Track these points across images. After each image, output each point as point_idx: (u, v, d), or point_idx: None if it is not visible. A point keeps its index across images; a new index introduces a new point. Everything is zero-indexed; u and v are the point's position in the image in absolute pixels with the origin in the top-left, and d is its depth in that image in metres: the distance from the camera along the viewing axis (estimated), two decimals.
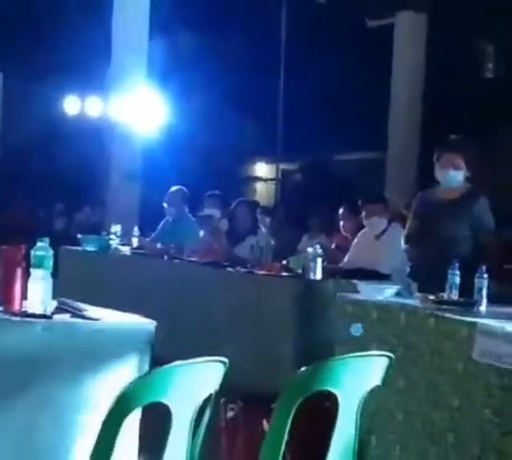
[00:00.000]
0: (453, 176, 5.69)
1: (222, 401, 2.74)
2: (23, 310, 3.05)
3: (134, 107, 11.40)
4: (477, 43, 15.57)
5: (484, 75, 15.70)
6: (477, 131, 13.76)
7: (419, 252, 5.89)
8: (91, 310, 3.16)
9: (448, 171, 5.69)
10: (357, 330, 4.76)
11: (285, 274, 6.82)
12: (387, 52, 14.51)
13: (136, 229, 9.04)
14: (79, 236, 9.21)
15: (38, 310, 3.02)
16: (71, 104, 14.82)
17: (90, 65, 12.69)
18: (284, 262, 7.13)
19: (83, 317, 3.09)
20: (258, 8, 14.67)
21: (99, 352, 3.00)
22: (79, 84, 14.26)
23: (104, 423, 2.33)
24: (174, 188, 9.04)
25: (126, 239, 8.79)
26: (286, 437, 2.66)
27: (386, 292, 5.46)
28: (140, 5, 11.39)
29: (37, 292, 3.06)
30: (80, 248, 8.93)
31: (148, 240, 8.85)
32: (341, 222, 8.35)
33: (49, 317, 3.00)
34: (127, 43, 11.49)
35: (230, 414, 2.79)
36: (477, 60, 15.69)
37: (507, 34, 14.48)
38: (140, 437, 3.08)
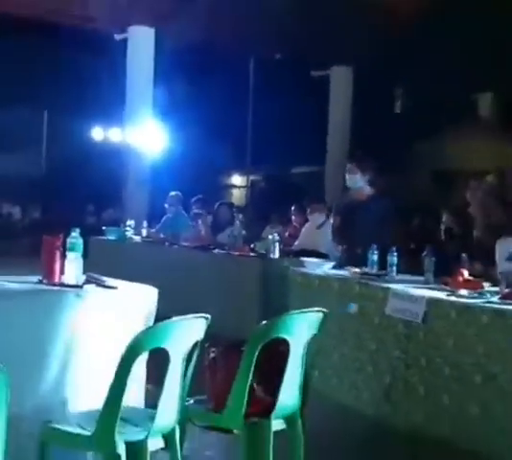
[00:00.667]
0: (350, 179, 5.61)
1: (206, 345, 2.72)
2: (61, 282, 3.05)
3: (144, 135, 11.37)
4: (389, 87, 15.57)
5: (394, 111, 15.70)
6: (388, 150, 13.86)
7: (342, 241, 5.89)
8: (111, 281, 3.15)
9: (347, 175, 5.68)
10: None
11: (252, 254, 6.82)
12: (326, 94, 14.59)
13: (145, 223, 8.98)
14: (103, 228, 9.15)
15: (72, 282, 3.02)
16: (97, 133, 14.77)
17: (111, 105, 12.61)
18: (252, 245, 7.14)
19: (105, 286, 3.08)
20: (233, 63, 14.72)
21: (116, 311, 3.00)
22: (103, 119, 14.18)
23: (121, 362, 2.31)
24: (172, 193, 8.98)
25: (137, 230, 8.75)
26: (252, 372, 2.66)
27: (325, 267, 5.47)
28: (147, 62, 11.38)
29: (71, 269, 3.05)
30: (104, 238, 8.87)
31: (153, 231, 8.81)
32: (293, 217, 8.36)
33: (80, 287, 2.99)
34: (137, 89, 11.46)
35: (212, 355, 2.78)
36: (389, 100, 15.70)
37: (410, 81, 14.48)
38: (147, 373, 3.08)
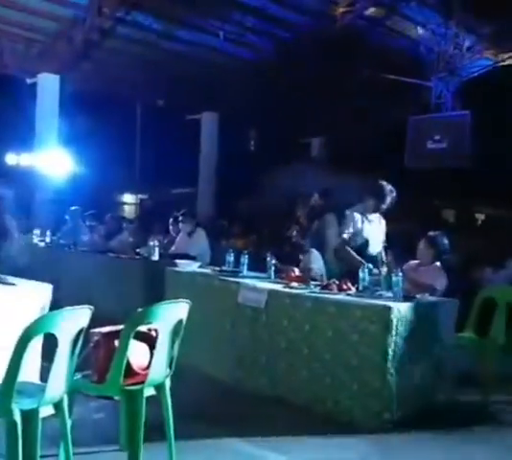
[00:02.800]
0: None
1: (91, 331, 2.63)
2: None
3: (50, 160, 10.95)
4: (246, 129, 15.82)
5: (249, 148, 15.96)
6: (245, 179, 14.15)
7: None
8: (11, 279, 2.98)
9: None
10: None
11: (137, 257, 6.69)
12: (198, 132, 14.65)
13: (49, 232, 8.57)
14: None
15: None
16: (11, 158, 14.02)
17: (23, 135, 12.00)
18: (137, 250, 7.01)
19: (5, 283, 2.92)
20: (124, 105, 14.48)
21: (14, 303, 2.84)
22: (15, 146, 13.46)
23: (17, 344, 2.20)
24: (73, 207, 8.68)
25: (42, 237, 8.34)
26: (127, 350, 2.61)
27: (193, 266, 5.46)
28: (53, 101, 10.99)
29: None
30: None
31: (55, 238, 8.43)
32: (171, 227, 8.26)
33: None
34: (45, 123, 11.05)
35: (95, 338, 2.69)
36: (245, 140, 15.96)
37: (261, 125, 14.79)
38: (43, 353, 2.94)
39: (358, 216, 4.71)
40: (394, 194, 4.69)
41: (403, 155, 11.13)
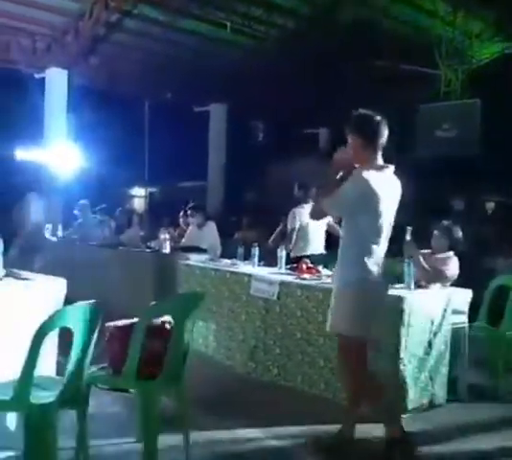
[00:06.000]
0: None
1: (105, 325, 2.64)
2: None
3: (59, 155, 10.96)
4: (254, 121, 15.73)
5: (257, 140, 15.87)
6: (254, 170, 14.12)
7: None
8: (27, 275, 3.00)
9: None
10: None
11: (148, 250, 6.71)
12: (206, 126, 14.57)
13: (60, 226, 8.60)
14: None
15: None
16: (19, 153, 14.02)
17: (32, 130, 12.00)
18: (148, 243, 7.02)
19: (21, 278, 2.93)
20: (132, 98, 14.45)
21: (30, 298, 2.85)
22: (25, 141, 13.46)
23: (33, 339, 2.21)
24: (82, 201, 8.66)
25: (54, 232, 8.36)
26: (142, 343, 2.60)
27: (204, 259, 5.48)
28: (61, 96, 10.97)
29: None
30: None
31: (67, 232, 8.46)
32: (181, 220, 8.27)
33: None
34: (53, 117, 11.04)
35: (110, 332, 2.70)
36: (254, 131, 15.88)
37: (272, 115, 14.72)
38: (59, 348, 2.95)
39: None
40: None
41: (413, 144, 11.05)
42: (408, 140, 10.79)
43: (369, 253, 2.83)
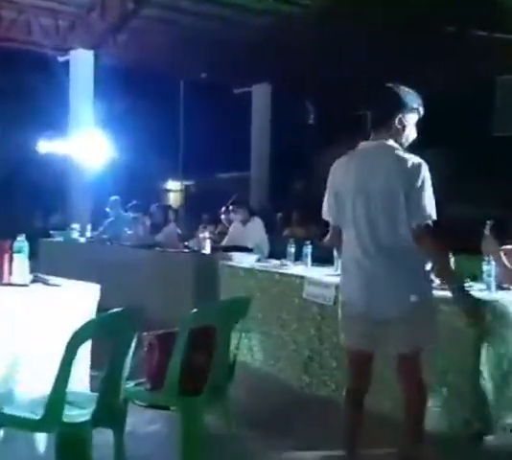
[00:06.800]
0: None
1: (143, 334, 2.67)
2: (9, 281, 2.97)
3: (86, 146, 11.14)
4: (301, 103, 15.69)
5: (307, 123, 15.82)
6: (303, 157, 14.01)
7: None
8: (55, 280, 3.07)
9: None
10: None
11: (187, 251, 6.79)
12: (248, 110, 14.57)
13: (89, 226, 8.81)
14: (51, 231, 8.90)
15: (19, 281, 2.95)
16: (43, 145, 14.36)
17: (56, 119, 12.29)
18: (186, 243, 7.10)
19: (49, 285, 3.00)
20: (164, 81, 14.58)
21: (59, 306, 2.92)
22: (48, 131, 13.81)
23: (66, 351, 2.24)
24: (112, 197, 8.82)
25: (82, 232, 8.57)
26: (184, 354, 2.62)
27: (250, 259, 5.50)
28: (87, 80, 11.15)
29: (18, 269, 2.99)
30: (53, 239, 8.65)
31: (97, 232, 8.63)
32: (222, 216, 8.33)
33: (26, 285, 2.92)
34: (79, 104, 11.22)
35: (149, 341, 2.74)
36: (303, 114, 15.83)
37: (325, 96, 14.62)
38: (92, 361, 3.02)
39: None
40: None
41: (489, 122, 10.77)
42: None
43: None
